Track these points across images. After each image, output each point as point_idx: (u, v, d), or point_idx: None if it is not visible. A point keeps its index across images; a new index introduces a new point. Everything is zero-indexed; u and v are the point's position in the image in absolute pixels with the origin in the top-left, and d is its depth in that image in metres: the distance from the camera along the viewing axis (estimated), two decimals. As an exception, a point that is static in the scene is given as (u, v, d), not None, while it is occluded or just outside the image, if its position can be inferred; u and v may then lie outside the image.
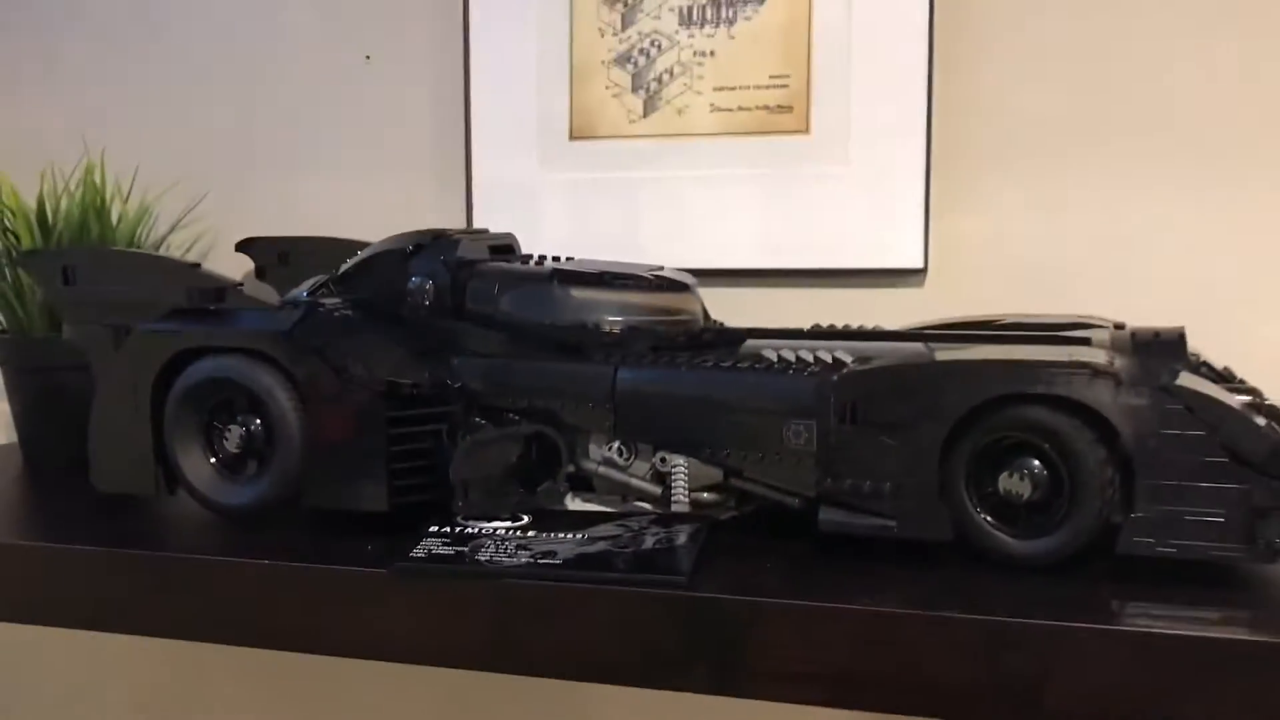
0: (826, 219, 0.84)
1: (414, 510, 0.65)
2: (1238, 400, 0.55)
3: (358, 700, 1.02)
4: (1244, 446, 0.53)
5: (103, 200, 0.91)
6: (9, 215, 0.89)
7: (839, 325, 0.75)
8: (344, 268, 0.75)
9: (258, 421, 0.67)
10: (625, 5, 0.87)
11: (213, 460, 0.68)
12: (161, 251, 0.97)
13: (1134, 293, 0.80)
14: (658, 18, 0.86)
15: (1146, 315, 0.72)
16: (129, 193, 0.96)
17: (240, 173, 1.00)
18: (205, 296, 0.68)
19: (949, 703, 0.52)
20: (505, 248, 0.76)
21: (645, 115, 0.87)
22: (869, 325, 0.75)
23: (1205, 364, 0.65)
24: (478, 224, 0.92)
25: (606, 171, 0.88)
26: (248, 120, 1.00)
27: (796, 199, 0.84)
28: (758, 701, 0.55)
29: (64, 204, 0.90)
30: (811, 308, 0.85)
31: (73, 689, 1.10)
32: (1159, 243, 0.81)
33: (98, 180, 0.92)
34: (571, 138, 0.89)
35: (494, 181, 0.91)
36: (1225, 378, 0.64)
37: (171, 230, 0.98)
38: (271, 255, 0.93)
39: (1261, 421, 0.54)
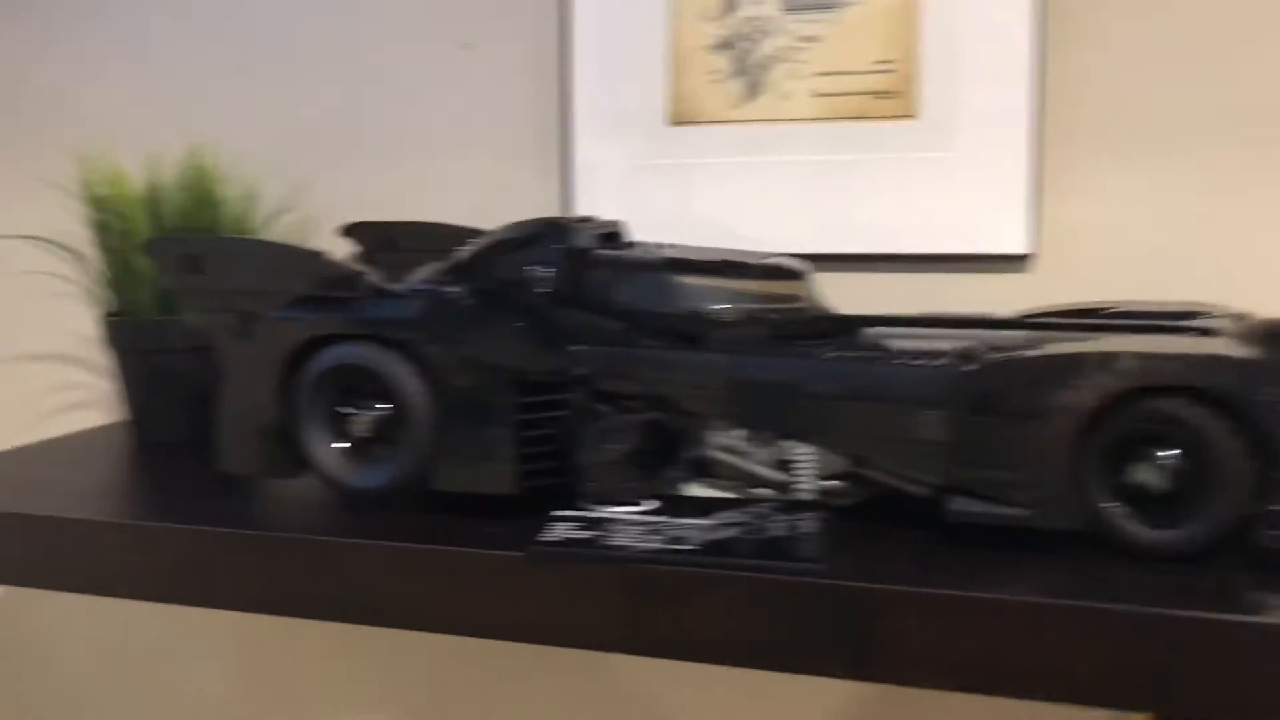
0: (932, 204, 0.84)
1: (538, 495, 0.67)
2: None
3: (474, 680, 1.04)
4: None
5: (209, 187, 0.93)
6: (122, 202, 0.91)
7: (947, 311, 0.75)
8: (458, 257, 0.76)
9: (386, 406, 0.68)
10: (726, -9, 0.87)
11: (339, 444, 0.70)
12: (265, 237, 0.98)
13: (1241, 280, 0.80)
14: (760, 3, 0.86)
15: (1255, 303, 0.72)
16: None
17: (341, 159, 1.01)
18: (333, 284, 0.70)
19: (1086, 691, 0.53)
20: (613, 234, 0.77)
21: (747, 101, 0.87)
22: (974, 310, 0.75)
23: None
24: (577, 210, 0.93)
25: (708, 157, 0.89)
26: (348, 107, 1.01)
27: (901, 184, 0.85)
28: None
29: (173, 192, 0.92)
30: (917, 292, 0.86)
31: (171, 663, 1.13)
32: (1269, 229, 0.80)
33: (204, 166, 0.93)
34: (673, 123, 0.90)
35: (593, 166, 0.92)
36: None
37: (276, 216, 0.99)
38: (376, 240, 0.94)
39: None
